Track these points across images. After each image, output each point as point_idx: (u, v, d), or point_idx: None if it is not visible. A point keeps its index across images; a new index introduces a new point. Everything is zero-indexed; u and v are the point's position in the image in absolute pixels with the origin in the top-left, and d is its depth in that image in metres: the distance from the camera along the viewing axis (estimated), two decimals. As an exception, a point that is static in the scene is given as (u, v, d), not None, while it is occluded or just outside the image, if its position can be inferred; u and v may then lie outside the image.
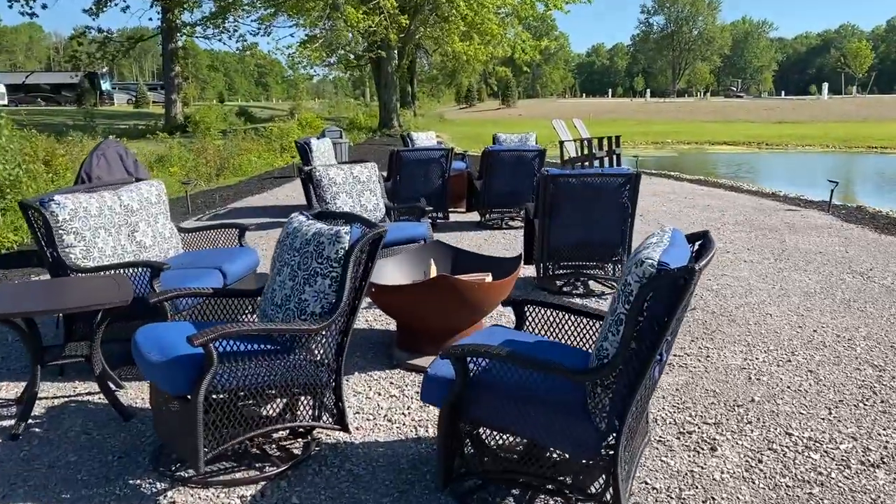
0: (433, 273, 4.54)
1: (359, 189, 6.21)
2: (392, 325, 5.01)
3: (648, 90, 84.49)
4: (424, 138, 11.91)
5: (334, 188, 6.08)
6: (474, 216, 9.38)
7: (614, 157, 14.43)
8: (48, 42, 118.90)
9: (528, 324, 3.42)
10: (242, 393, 3.01)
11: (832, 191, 9.94)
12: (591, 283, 5.95)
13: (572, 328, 3.31)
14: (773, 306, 5.42)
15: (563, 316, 3.31)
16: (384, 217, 6.35)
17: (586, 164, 13.95)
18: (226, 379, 2.94)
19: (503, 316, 5.14)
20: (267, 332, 3.02)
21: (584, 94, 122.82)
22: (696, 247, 2.78)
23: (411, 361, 4.27)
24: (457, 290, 4.07)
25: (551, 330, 3.36)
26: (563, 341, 3.34)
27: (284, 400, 3.24)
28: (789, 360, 4.37)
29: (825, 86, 57.09)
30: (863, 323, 5.04)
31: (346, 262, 3.19)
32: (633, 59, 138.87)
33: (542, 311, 3.37)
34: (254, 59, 48.72)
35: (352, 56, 33.63)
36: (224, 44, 56.13)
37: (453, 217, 9.35)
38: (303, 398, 3.25)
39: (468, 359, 2.76)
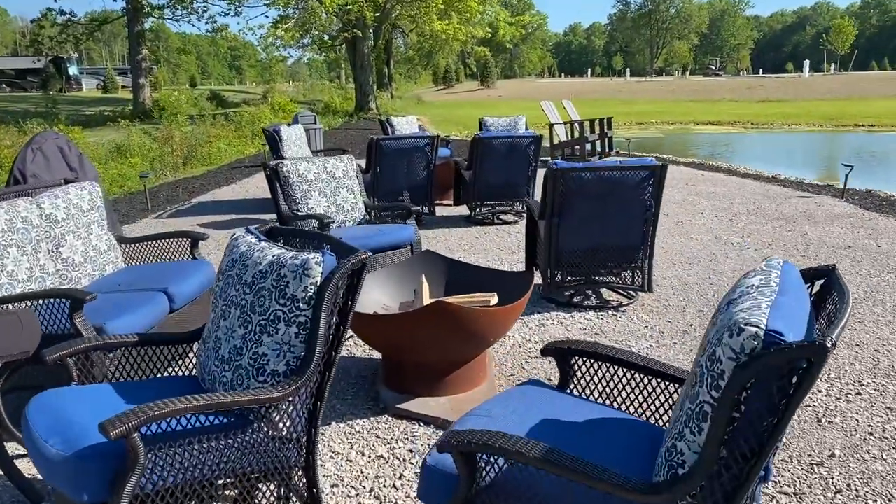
0: (426, 294, 3.72)
1: (334, 186, 5.36)
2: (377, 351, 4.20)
3: (628, 70, 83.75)
4: (405, 123, 11.03)
5: (305, 186, 5.22)
6: (462, 210, 8.55)
7: (606, 139, 13.65)
8: (14, 26, 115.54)
9: (574, 378, 2.59)
10: (181, 492, 2.18)
11: (847, 175, 9.23)
12: (603, 291, 5.17)
13: (635, 386, 2.48)
14: (818, 318, 4.67)
15: (624, 373, 2.49)
16: (364, 218, 5.51)
17: (576, 147, 13.16)
18: (158, 476, 2.11)
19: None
20: (213, 409, 2.18)
21: (562, 74, 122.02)
22: (818, 288, 1.98)
23: (402, 406, 3.45)
24: (457, 320, 3.25)
25: (603, 385, 2.54)
26: (621, 399, 2.51)
27: (237, 490, 2.41)
28: (859, 393, 3.62)
29: (806, 63, 56.56)
30: (929, 338, 4.31)
31: (319, 302, 2.36)
32: (611, 39, 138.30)
33: (593, 364, 2.54)
34: (225, 42, 47.28)
35: (326, 37, 32.43)
36: (193, 25, 54.43)
37: (439, 211, 8.52)
38: (263, 485, 2.43)
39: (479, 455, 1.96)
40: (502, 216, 8.10)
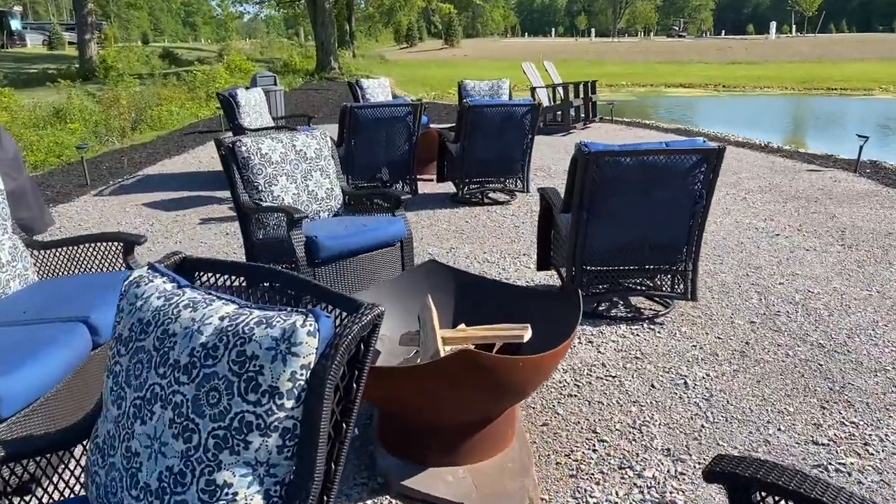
0: (435, 324, 2.79)
1: (305, 169, 4.37)
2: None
3: (593, 30, 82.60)
4: (377, 87, 9.95)
5: (269, 169, 4.22)
6: (446, 187, 7.60)
7: (590, 105, 12.75)
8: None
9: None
10: None
11: (861, 147, 8.48)
12: (632, 297, 4.31)
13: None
14: (894, 331, 3.89)
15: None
16: (342, 207, 4.55)
17: (559, 113, 12.25)
18: None
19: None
20: None
21: (525, 34, 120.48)
22: None
23: (407, 483, 2.55)
24: (489, 373, 2.35)
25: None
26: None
27: None
28: None
29: (773, 25, 56.02)
30: None
31: (317, 394, 1.46)
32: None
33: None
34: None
35: (284, -9, 30.72)
36: (143, -22, 51.60)
37: (420, 188, 7.56)
38: None
39: None
40: (492, 195, 7.18)
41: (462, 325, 2.99)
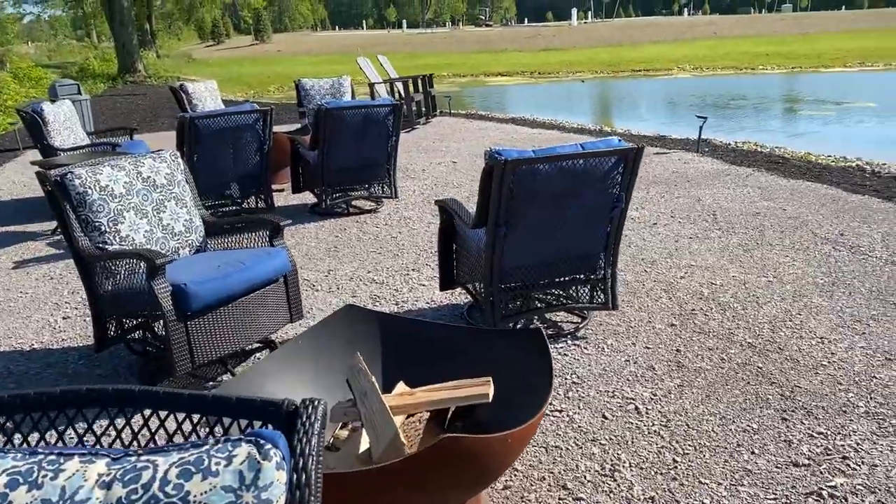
0: (384, 401, 2.25)
1: (156, 199, 3.61)
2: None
3: (405, 21, 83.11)
4: (205, 90, 9.01)
5: (113, 204, 3.43)
6: (303, 197, 6.95)
7: (430, 99, 12.45)
8: None
9: None
10: None
11: (701, 127, 8.79)
12: (545, 312, 3.97)
13: None
14: (810, 319, 3.83)
15: None
16: (204, 240, 3.83)
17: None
18: None
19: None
20: None
21: (336, 27, 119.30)
22: None
23: None
24: (475, 459, 1.87)
25: None
26: None
27: None
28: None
29: (574, 12, 59.18)
30: (948, 337, 3.59)
31: None
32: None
33: None
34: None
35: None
36: None
37: (275, 200, 6.83)
38: None
39: None
40: (356, 203, 6.62)
41: (401, 385, 2.47)
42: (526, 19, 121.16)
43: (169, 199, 3.67)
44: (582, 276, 3.67)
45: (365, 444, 2.17)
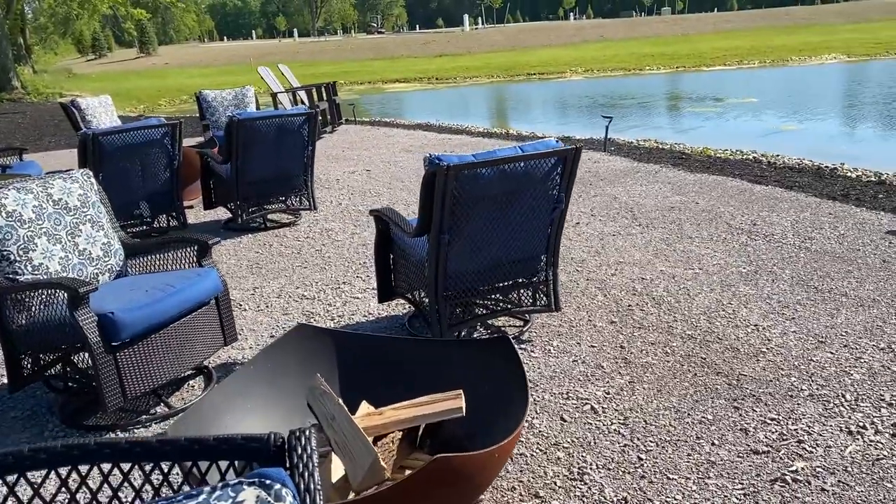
0: (354, 421, 2.13)
1: (69, 223, 3.34)
2: None
3: (295, 30, 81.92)
4: (99, 105, 8.52)
5: (22, 231, 3.14)
6: (216, 213, 6.66)
7: (335, 107, 12.26)
8: None
9: None
10: None
11: (607, 127, 9.02)
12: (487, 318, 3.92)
13: None
14: (742, 307, 3.94)
15: None
16: (124, 264, 3.57)
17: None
18: None
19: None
20: None
21: (224, 38, 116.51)
22: None
23: None
24: (465, 478, 1.78)
25: None
26: None
27: None
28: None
29: (466, 17, 59.99)
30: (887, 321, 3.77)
31: None
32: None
33: None
34: None
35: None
36: None
37: (188, 218, 6.51)
38: None
39: None
40: (272, 217, 6.40)
41: (364, 405, 2.35)
42: (417, 26, 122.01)
43: (84, 223, 3.41)
44: (524, 279, 3.64)
45: (338, 471, 2.04)
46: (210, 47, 65.19)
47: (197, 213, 6.74)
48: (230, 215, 6.33)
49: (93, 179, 3.58)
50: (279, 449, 1.15)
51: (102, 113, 8.48)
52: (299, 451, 1.10)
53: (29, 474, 1.24)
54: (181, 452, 1.26)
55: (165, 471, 1.31)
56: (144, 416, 3.18)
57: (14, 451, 1.21)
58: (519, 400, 2.10)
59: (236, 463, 1.20)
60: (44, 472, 1.24)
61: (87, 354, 3.15)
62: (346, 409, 2.10)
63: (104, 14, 43.68)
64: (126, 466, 1.35)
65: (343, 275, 4.88)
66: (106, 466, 1.39)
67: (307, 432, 1.15)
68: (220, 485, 1.01)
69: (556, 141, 3.42)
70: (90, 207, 3.46)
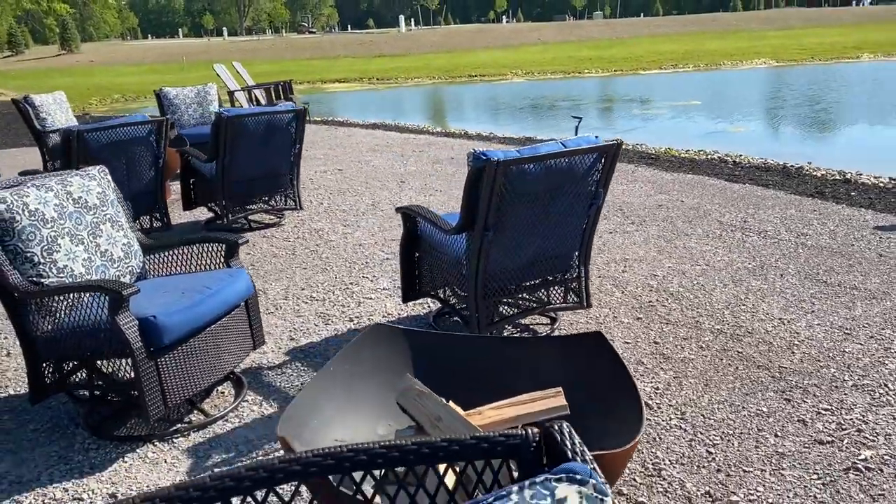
0: (464, 418, 2.05)
1: (90, 222, 3.14)
2: None
3: (225, 29, 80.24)
4: (52, 102, 8.12)
5: (45, 231, 2.93)
6: (198, 214, 6.41)
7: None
8: None
9: None
10: None
11: (577, 127, 9.11)
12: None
13: None
14: (760, 301, 4.02)
15: None
16: (143, 266, 3.38)
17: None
18: None
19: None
20: None
21: (148, 36, 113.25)
22: None
23: None
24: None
25: None
26: None
27: None
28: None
29: (402, 18, 59.93)
30: None
31: None
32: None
33: None
34: None
35: None
36: None
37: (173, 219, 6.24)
38: None
39: None
40: (255, 217, 6.20)
41: (450, 404, 2.27)
42: (349, 26, 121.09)
43: (104, 222, 3.21)
44: (558, 276, 3.61)
45: (449, 478, 1.96)
46: (135, 45, 63.16)
47: (174, 214, 6.47)
48: (211, 215, 6.10)
49: (109, 177, 3.38)
50: (538, 445, 1.08)
51: (57, 110, 8.09)
52: (576, 445, 1.03)
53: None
54: (449, 454, 1.16)
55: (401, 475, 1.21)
56: (180, 425, 3.01)
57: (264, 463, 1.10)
58: (624, 399, 2.06)
59: (493, 462, 1.11)
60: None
61: (114, 361, 2.97)
62: (453, 407, 2.02)
63: (23, 8, 41.80)
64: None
65: (347, 275, 4.76)
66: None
67: (564, 426, 1.08)
68: (527, 483, 0.94)
69: (596, 137, 3.41)
70: (109, 206, 3.26)
